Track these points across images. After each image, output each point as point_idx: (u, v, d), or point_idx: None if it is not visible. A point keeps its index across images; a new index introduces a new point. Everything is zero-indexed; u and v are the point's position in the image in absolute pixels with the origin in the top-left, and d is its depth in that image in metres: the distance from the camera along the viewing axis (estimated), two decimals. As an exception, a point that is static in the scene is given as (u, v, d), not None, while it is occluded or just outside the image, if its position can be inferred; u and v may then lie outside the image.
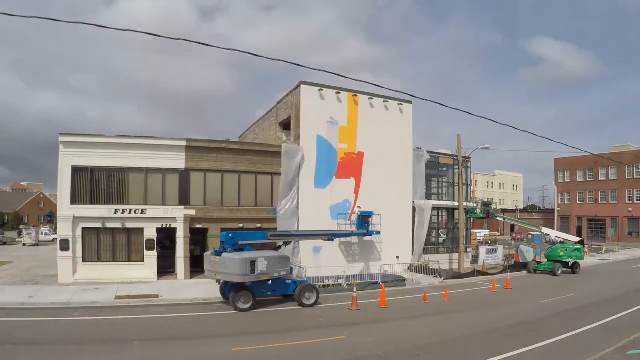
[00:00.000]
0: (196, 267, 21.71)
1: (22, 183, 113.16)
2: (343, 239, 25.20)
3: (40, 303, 16.20)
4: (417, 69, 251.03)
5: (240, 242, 17.10)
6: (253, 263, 16.04)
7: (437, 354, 11.78)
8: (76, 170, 21.17)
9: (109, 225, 21.47)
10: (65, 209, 20.86)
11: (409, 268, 26.64)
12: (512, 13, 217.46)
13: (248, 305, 16.18)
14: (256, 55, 11.75)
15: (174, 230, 22.58)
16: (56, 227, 27.12)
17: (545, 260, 29.04)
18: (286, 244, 20.24)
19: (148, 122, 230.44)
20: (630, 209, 57.02)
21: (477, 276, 26.19)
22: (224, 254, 16.35)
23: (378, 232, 24.99)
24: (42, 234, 47.55)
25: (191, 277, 22.17)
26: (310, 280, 19.43)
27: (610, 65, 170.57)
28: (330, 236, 21.94)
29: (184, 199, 22.72)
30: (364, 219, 24.94)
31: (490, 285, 22.60)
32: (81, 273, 20.81)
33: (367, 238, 25.89)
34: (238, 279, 15.99)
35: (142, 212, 21.87)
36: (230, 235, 16.88)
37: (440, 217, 33.07)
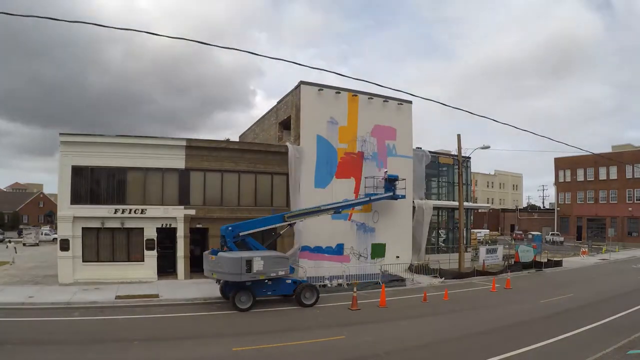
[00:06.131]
0: (196, 267, 21.66)
1: (21, 183, 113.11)
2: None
3: (40, 303, 16.19)
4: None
5: (241, 234, 17.44)
6: (249, 262, 16.07)
7: (437, 354, 11.78)
8: (76, 170, 21.15)
9: (109, 225, 21.45)
10: (65, 208, 20.84)
11: (409, 268, 26.65)
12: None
13: (248, 305, 16.19)
14: (256, 54, 11.75)
15: (173, 230, 22.57)
16: (56, 227, 27.13)
17: None
18: (291, 225, 20.64)
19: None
20: (630, 208, 56.99)
21: (477, 276, 26.21)
22: (219, 254, 16.59)
23: (403, 196, 26.04)
24: (42, 234, 47.58)
25: (191, 277, 22.15)
26: (310, 280, 19.43)
27: None
28: (349, 206, 22.99)
29: (183, 199, 22.71)
30: (390, 182, 25.41)
31: (490, 285, 22.61)
32: (81, 273, 20.79)
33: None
34: (234, 278, 16.14)
35: (142, 212, 21.86)
36: (230, 228, 17.29)
37: (440, 217, 33.08)
